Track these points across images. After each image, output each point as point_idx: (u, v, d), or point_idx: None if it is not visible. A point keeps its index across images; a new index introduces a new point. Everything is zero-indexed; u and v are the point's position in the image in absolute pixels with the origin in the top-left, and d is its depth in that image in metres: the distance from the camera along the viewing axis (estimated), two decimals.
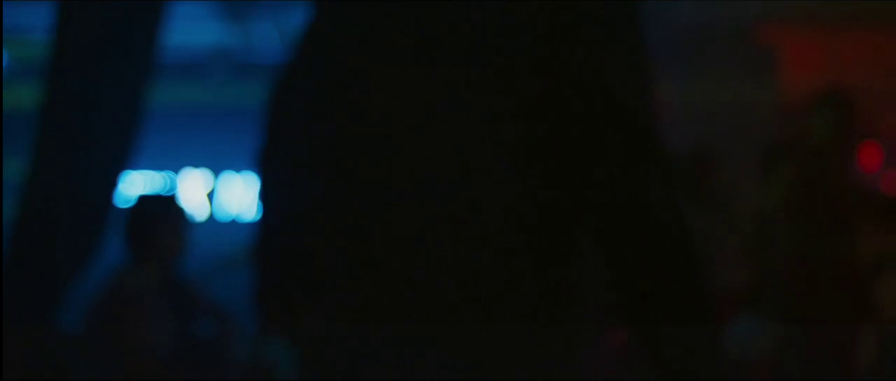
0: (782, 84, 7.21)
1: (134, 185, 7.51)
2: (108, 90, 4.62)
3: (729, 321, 5.55)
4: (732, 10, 7.06)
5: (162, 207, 4.71)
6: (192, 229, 4.81)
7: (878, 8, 6.86)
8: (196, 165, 8.53)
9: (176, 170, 8.49)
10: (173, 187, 8.32)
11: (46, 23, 4.68)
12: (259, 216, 2.18)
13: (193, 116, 7.98)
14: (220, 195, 8.52)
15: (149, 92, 4.70)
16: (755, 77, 7.16)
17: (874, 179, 6.74)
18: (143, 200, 4.85)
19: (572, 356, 2.00)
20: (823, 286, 5.01)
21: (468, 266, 1.93)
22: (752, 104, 6.92)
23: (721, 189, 6.06)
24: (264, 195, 2.15)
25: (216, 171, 8.57)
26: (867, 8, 6.88)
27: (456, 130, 1.93)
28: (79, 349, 4.48)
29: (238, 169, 8.35)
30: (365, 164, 1.96)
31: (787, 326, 5.09)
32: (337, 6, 2.05)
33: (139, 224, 4.63)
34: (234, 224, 8.18)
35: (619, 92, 1.90)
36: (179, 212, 4.73)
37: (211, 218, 8.44)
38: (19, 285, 4.59)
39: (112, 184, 4.75)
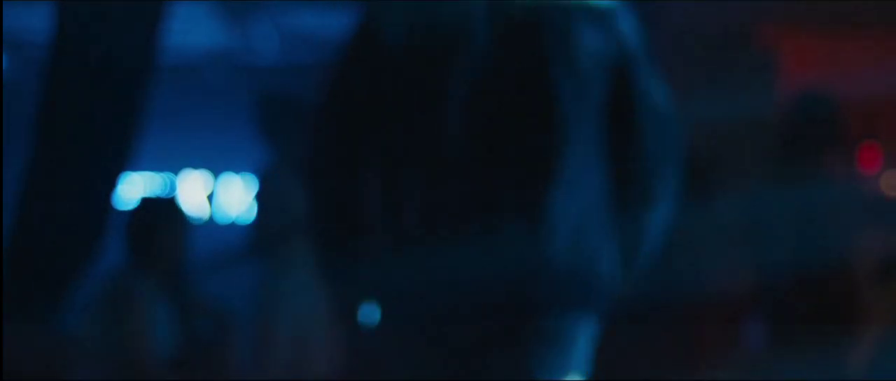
0: (783, 86, 7.20)
1: (134, 186, 7.51)
2: (107, 91, 4.62)
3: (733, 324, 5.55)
4: (731, 13, 7.06)
5: (163, 209, 4.72)
6: (193, 231, 4.81)
7: (878, 8, 6.86)
8: (196, 166, 8.53)
9: (175, 171, 8.49)
10: (173, 189, 8.32)
11: (46, 23, 4.68)
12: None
13: (193, 118, 7.97)
14: (220, 197, 8.52)
15: (148, 93, 4.70)
16: (755, 79, 7.15)
17: (874, 179, 6.73)
18: (145, 202, 4.85)
19: None
20: (820, 290, 5.00)
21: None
22: (752, 106, 6.92)
23: (718, 193, 6.05)
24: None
25: (216, 172, 8.57)
26: (867, 8, 6.87)
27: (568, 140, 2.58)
28: (79, 350, 4.48)
29: (238, 171, 8.35)
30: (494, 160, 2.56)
31: (786, 328, 5.09)
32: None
33: (140, 227, 4.63)
34: (234, 226, 8.18)
35: (657, 102, 2.68)
36: (180, 214, 4.73)
37: (211, 220, 8.44)
38: (20, 286, 4.59)
39: (112, 185, 4.75)
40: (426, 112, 2.55)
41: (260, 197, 5.72)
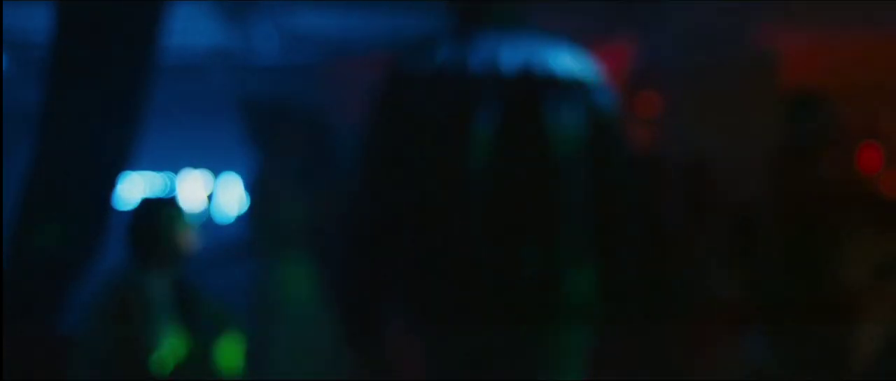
0: (783, 86, 7.21)
1: (134, 185, 7.51)
2: (108, 91, 4.62)
3: (727, 330, 5.56)
4: (731, 13, 7.06)
5: (164, 209, 4.72)
6: (193, 231, 4.82)
7: (877, 8, 6.87)
8: (196, 166, 8.54)
9: (175, 171, 8.50)
10: (173, 188, 8.33)
11: (46, 23, 4.68)
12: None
13: (193, 118, 7.98)
14: (220, 196, 8.53)
15: (148, 93, 4.70)
16: (755, 79, 7.16)
17: (874, 179, 6.74)
18: (146, 202, 4.86)
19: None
20: (819, 293, 5.00)
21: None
22: (751, 107, 6.93)
23: (714, 197, 6.06)
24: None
25: (216, 172, 8.58)
26: (867, 8, 6.88)
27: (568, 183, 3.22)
28: (80, 350, 4.48)
29: (238, 170, 8.36)
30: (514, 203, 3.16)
31: (784, 331, 5.09)
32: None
33: (141, 227, 4.63)
34: (234, 226, 8.18)
35: (624, 160, 3.29)
36: (181, 214, 4.74)
37: (210, 219, 8.45)
38: (20, 286, 4.59)
39: (112, 185, 4.75)
40: (450, 166, 3.12)
41: (250, 204, 5.72)
